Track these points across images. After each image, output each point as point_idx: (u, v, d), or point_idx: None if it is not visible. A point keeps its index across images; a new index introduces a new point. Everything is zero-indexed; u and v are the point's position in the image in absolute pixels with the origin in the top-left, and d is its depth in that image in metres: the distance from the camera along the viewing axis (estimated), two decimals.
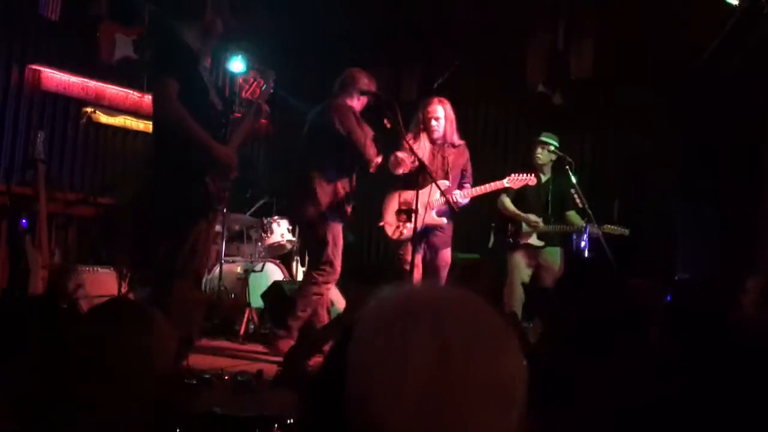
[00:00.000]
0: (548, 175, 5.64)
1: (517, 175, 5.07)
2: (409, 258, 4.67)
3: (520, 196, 5.59)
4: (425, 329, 0.79)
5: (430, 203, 4.71)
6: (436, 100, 4.91)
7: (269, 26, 7.26)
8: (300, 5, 6.72)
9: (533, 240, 5.50)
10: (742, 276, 3.22)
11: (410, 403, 0.76)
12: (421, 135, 4.86)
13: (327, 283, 4.57)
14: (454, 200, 4.74)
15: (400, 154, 4.61)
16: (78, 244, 6.25)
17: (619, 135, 6.84)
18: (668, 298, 4.08)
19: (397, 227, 4.81)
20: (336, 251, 4.56)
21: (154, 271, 3.43)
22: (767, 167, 5.37)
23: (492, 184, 5.02)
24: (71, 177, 6.50)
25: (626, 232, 5.29)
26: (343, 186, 4.61)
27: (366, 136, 4.52)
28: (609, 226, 5.29)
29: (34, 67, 6.25)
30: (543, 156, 5.58)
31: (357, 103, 4.67)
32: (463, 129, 7.53)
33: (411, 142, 4.65)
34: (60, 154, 6.42)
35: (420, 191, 4.49)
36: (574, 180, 5.31)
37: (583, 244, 5.26)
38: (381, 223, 4.91)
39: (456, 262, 5.35)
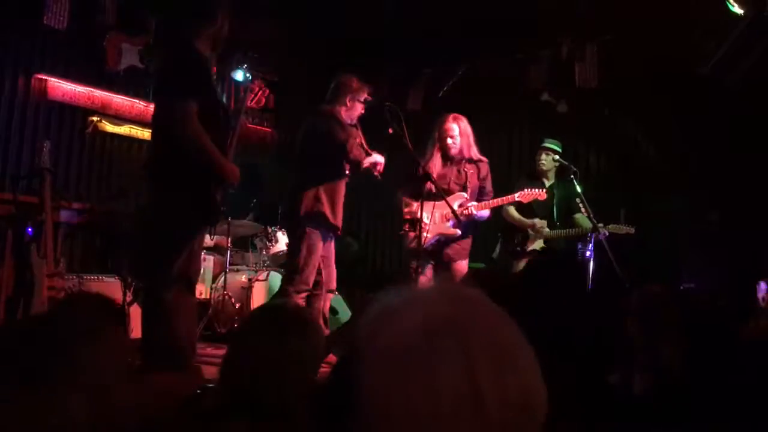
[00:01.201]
0: (552, 181, 5.70)
1: (529, 189, 5.08)
2: (418, 269, 4.72)
3: (526, 203, 5.60)
4: (452, 351, 0.74)
5: (444, 215, 4.75)
6: (451, 117, 4.94)
7: (274, 34, 7.28)
8: (305, 13, 6.73)
9: (538, 245, 5.52)
10: (748, 285, 3.21)
11: (438, 428, 0.73)
12: (436, 152, 4.91)
13: (299, 293, 4.42)
14: (469, 212, 4.77)
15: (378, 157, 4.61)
16: (84, 252, 6.27)
17: (624, 143, 6.84)
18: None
19: (416, 237, 4.77)
20: (309, 260, 4.44)
21: (150, 278, 3.42)
22: None
23: (504, 198, 5.04)
24: (77, 186, 6.52)
25: (632, 230, 5.29)
26: (326, 193, 4.50)
27: (349, 137, 4.47)
28: (614, 225, 5.29)
29: (41, 76, 6.29)
30: (547, 162, 5.65)
31: (348, 110, 4.61)
32: None
33: (426, 157, 4.73)
34: (66, 163, 6.44)
35: (437, 203, 4.61)
36: (579, 189, 5.31)
37: (588, 253, 5.25)
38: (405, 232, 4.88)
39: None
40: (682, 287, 5.46)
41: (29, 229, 4.97)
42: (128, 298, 4.84)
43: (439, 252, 4.88)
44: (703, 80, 5.70)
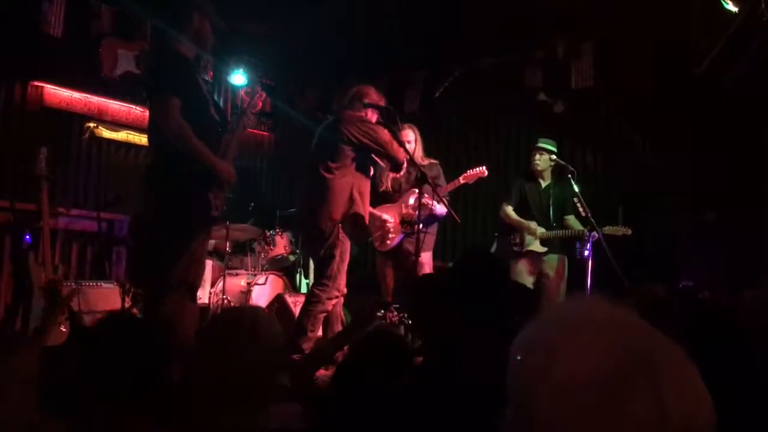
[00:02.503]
0: (548, 181, 5.71)
1: (470, 170, 5.29)
2: (385, 269, 5.28)
3: (522, 203, 5.69)
4: (646, 393, 0.74)
5: (404, 215, 5.17)
6: (407, 126, 5.23)
7: (270, 38, 7.29)
8: (301, 17, 6.74)
9: (536, 246, 5.54)
10: (744, 284, 3.21)
11: None
12: None
13: (330, 299, 4.46)
14: (431, 205, 5.05)
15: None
16: (82, 259, 6.27)
17: (620, 142, 6.85)
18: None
19: (382, 239, 5.19)
20: (342, 266, 4.49)
21: (151, 284, 3.42)
22: None
23: (451, 184, 5.34)
24: (75, 192, 6.52)
25: (628, 231, 5.30)
26: (359, 194, 4.55)
27: (388, 138, 4.54)
28: (610, 227, 5.30)
29: (37, 83, 6.29)
30: (542, 162, 5.67)
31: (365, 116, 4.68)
32: (463, 138, 7.64)
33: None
34: (63, 170, 6.44)
35: (397, 203, 5.09)
36: (576, 188, 5.32)
37: (586, 252, 5.25)
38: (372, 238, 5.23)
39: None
40: (681, 285, 5.47)
41: (27, 237, 4.97)
42: (127, 304, 4.84)
43: (401, 249, 5.21)
44: (699, 79, 5.70)
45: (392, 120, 4.53)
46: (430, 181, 4.61)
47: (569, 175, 5.40)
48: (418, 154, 5.19)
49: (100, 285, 5.24)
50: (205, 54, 3.85)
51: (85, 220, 6.21)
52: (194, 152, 3.27)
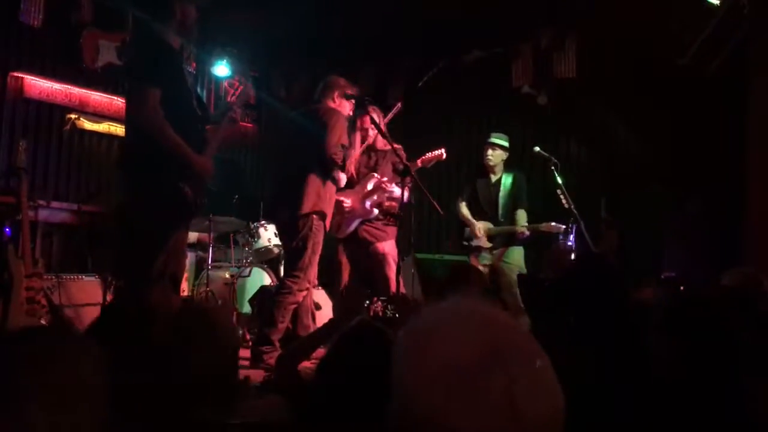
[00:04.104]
0: (499, 175, 5.73)
1: (428, 153, 5.17)
2: (340, 257, 5.15)
3: (473, 197, 5.77)
4: (498, 380, 0.82)
5: (360, 198, 5.04)
6: (371, 109, 5.04)
7: (253, 30, 7.24)
8: (284, 8, 6.69)
9: (483, 242, 5.62)
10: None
11: None
12: (357, 138, 5.11)
13: (301, 290, 4.47)
14: (390, 189, 5.00)
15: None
16: (63, 252, 6.21)
17: (604, 134, 6.88)
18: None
19: (339, 225, 5.05)
20: (314, 258, 4.49)
21: (132, 277, 3.40)
22: (751, 165, 5.39)
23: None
24: (56, 185, 6.46)
25: (561, 228, 5.36)
26: (326, 190, 4.55)
27: (342, 139, 4.52)
28: (547, 223, 5.41)
29: (17, 74, 6.21)
30: (494, 157, 5.69)
31: (339, 107, 4.67)
32: (446, 130, 7.63)
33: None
34: (44, 162, 6.38)
35: (356, 188, 5.01)
36: (560, 180, 5.32)
37: (569, 243, 5.27)
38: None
39: (443, 264, 5.39)
40: (663, 276, 5.51)
41: (7, 229, 4.91)
42: (109, 298, 4.80)
43: (357, 237, 5.11)
44: (682, 71, 5.73)
45: (364, 108, 4.62)
46: (409, 170, 4.55)
47: (552, 167, 5.41)
48: (381, 138, 5.11)
49: (81, 278, 5.21)
50: (189, 44, 3.81)
51: (65, 213, 6.16)
52: (169, 144, 3.23)
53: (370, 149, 5.17)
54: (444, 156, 5.19)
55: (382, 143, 5.08)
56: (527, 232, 5.45)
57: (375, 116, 4.95)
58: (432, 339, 0.88)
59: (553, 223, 5.41)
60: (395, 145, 4.84)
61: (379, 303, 4.49)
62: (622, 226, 5.84)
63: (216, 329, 1.68)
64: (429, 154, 5.15)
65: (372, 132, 5.08)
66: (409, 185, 4.64)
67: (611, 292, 2.21)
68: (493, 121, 7.53)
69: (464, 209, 5.78)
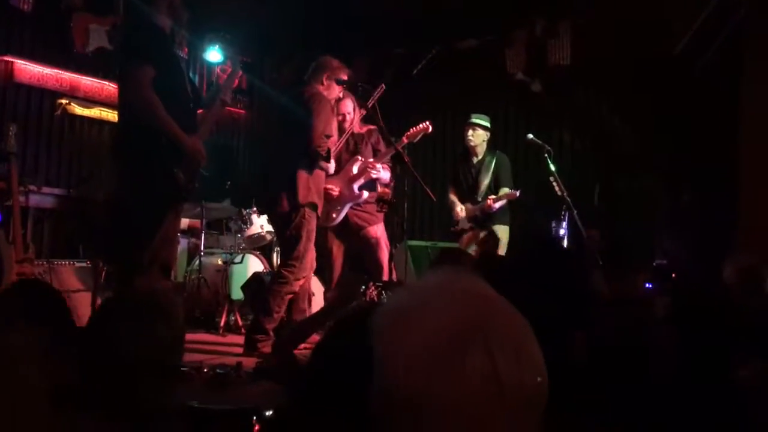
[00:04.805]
0: (480, 156, 5.79)
1: (413, 128, 5.11)
2: (331, 245, 5.08)
3: (457, 179, 5.87)
4: (477, 347, 0.81)
5: (349, 180, 4.97)
6: (346, 95, 5.06)
7: (247, 14, 7.19)
8: None
9: (463, 224, 5.71)
10: (718, 261, 3.25)
11: (464, 413, 0.80)
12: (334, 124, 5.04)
13: (298, 279, 4.44)
14: (377, 171, 4.94)
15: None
16: (54, 238, 6.18)
17: (597, 121, 6.88)
18: (648, 285, 4.10)
19: (328, 213, 4.94)
20: (309, 246, 4.46)
21: (123, 262, 3.39)
22: (743, 153, 5.40)
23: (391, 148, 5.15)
24: (47, 170, 6.41)
25: (515, 194, 5.52)
26: (315, 179, 4.50)
27: (326, 129, 4.47)
28: (504, 190, 5.57)
29: (7, 58, 6.14)
30: (475, 137, 5.77)
31: (325, 89, 4.59)
32: (440, 116, 7.60)
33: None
34: (35, 147, 6.32)
35: (340, 174, 4.93)
36: (553, 168, 5.33)
37: (562, 231, 5.29)
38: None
39: (435, 251, 5.40)
40: (655, 264, 5.54)
41: None
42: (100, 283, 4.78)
43: (347, 223, 5.06)
44: (676, 60, 5.73)
45: (354, 92, 4.65)
46: (400, 155, 4.55)
47: (546, 155, 5.41)
48: (357, 122, 5.15)
49: (73, 264, 5.18)
50: (180, 29, 3.79)
51: (56, 198, 6.12)
52: (160, 124, 3.22)
53: (347, 134, 5.14)
54: (430, 129, 5.10)
55: (358, 127, 5.11)
56: (495, 205, 5.51)
57: (350, 102, 5.02)
58: (410, 317, 0.86)
59: (508, 190, 5.53)
60: (371, 127, 4.87)
61: (374, 288, 4.49)
62: (614, 213, 5.84)
63: (154, 313, 1.67)
64: (414, 129, 5.08)
65: (348, 117, 5.07)
66: (390, 164, 4.76)
67: (561, 274, 2.24)
68: (488, 109, 7.53)
69: (451, 194, 5.85)
